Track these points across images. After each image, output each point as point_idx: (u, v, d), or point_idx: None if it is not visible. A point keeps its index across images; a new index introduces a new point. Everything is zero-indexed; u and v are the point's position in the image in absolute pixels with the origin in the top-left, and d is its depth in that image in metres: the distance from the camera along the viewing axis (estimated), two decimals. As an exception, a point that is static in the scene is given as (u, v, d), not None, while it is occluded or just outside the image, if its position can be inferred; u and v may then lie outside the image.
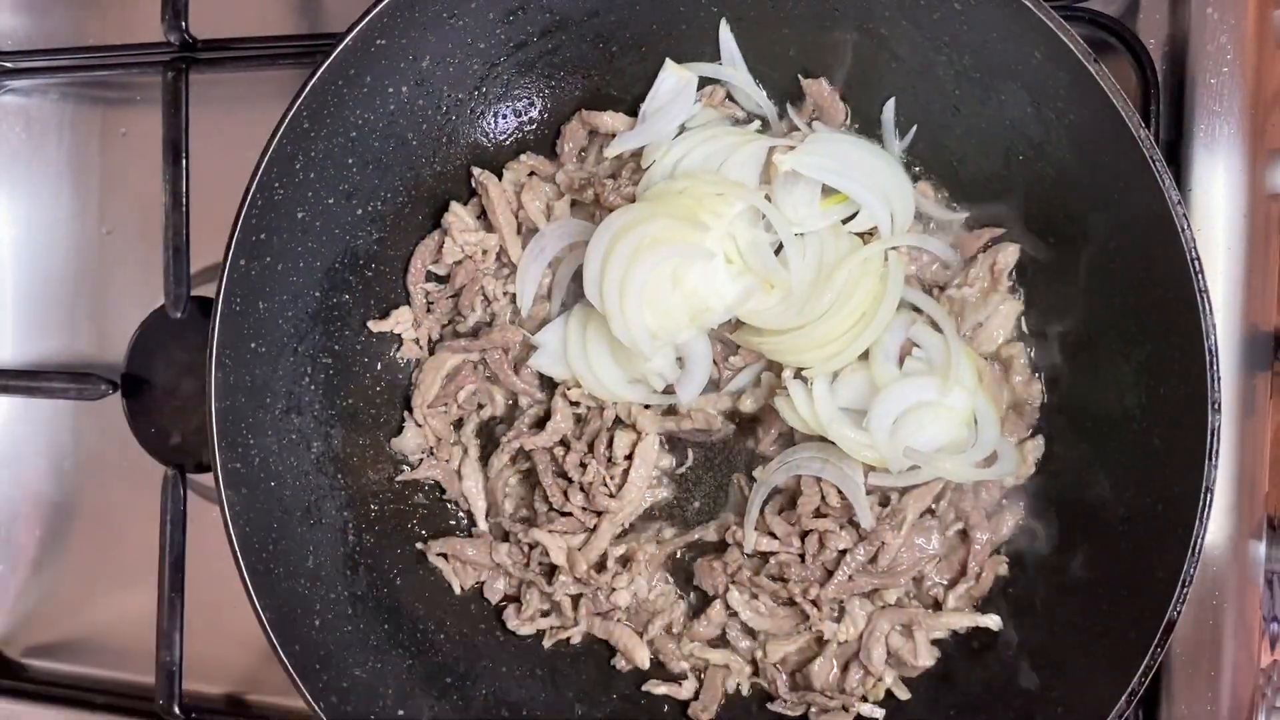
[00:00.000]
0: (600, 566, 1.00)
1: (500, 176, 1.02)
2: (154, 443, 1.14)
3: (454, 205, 1.01)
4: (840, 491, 0.93)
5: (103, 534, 1.22)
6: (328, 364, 0.99)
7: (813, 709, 0.95)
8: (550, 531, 0.99)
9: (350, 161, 0.95)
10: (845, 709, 0.94)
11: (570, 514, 0.99)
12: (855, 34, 0.92)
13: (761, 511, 0.96)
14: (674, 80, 0.98)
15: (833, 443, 0.92)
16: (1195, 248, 0.76)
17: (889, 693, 0.94)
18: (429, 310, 1.03)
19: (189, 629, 1.08)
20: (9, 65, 1.22)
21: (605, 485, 0.98)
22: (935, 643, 0.93)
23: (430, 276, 1.03)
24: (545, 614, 1.01)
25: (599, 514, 0.99)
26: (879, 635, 0.92)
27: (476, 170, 1.01)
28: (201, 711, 1.11)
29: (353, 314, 1.01)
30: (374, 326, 1.01)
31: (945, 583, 0.94)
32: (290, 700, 1.10)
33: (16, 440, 1.25)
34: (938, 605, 0.94)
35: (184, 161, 1.08)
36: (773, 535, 0.96)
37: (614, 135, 1.00)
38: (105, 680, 1.20)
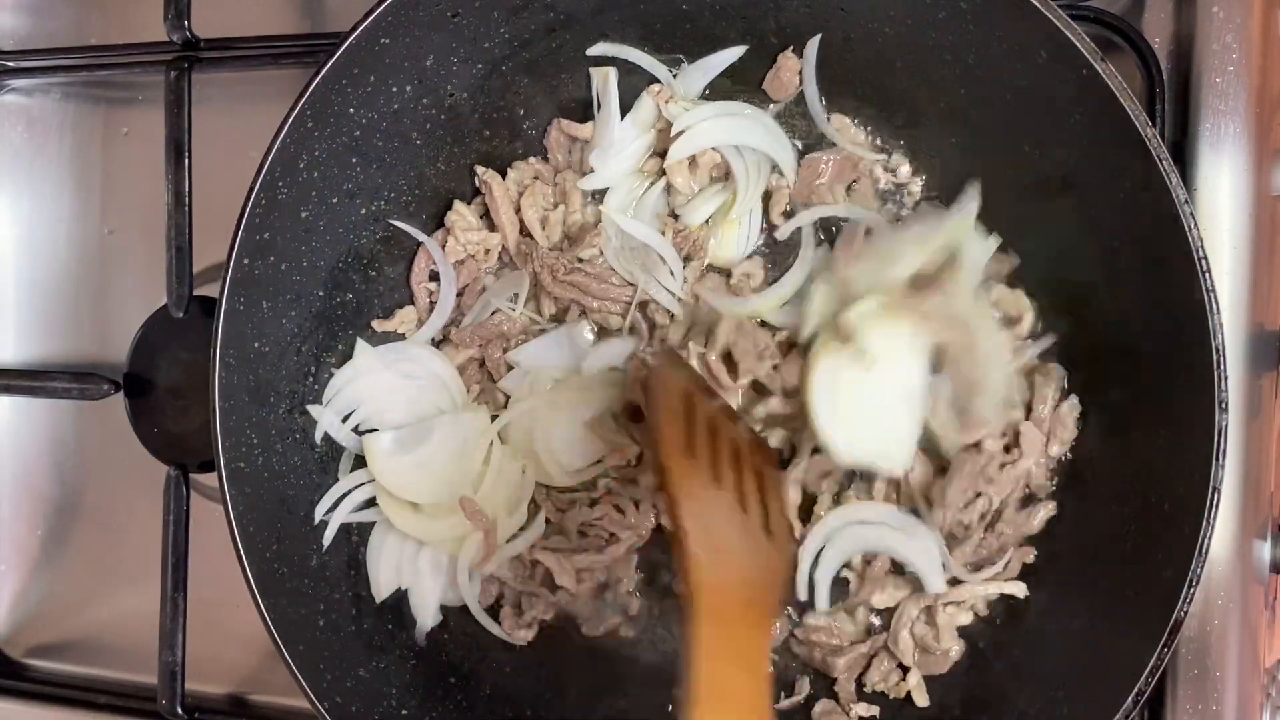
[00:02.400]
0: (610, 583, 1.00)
1: (504, 175, 1.01)
2: (156, 442, 1.14)
3: (457, 204, 1.01)
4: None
5: (105, 534, 1.22)
6: (331, 364, 0.99)
7: (816, 708, 0.95)
8: (553, 550, 0.98)
9: (354, 161, 0.95)
10: (846, 713, 0.94)
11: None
12: (860, 33, 0.92)
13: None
14: (600, 82, 0.99)
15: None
16: (1202, 247, 0.76)
17: (890, 693, 0.94)
18: (432, 309, 1.03)
19: (191, 629, 1.07)
20: (11, 65, 1.21)
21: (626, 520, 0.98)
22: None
23: (434, 276, 1.03)
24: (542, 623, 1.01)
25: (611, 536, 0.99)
26: (906, 620, 0.92)
27: (480, 169, 1.01)
28: (204, 711, 1.10)
29: (356, 314, 1.01)
30: (378, 326, 1.01)
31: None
32: (293, 700, 1.09)
33: (18, 440, 1.25)
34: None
35: (187, 161, 1.07)
36: None
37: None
38: (107, 680, 1.20)
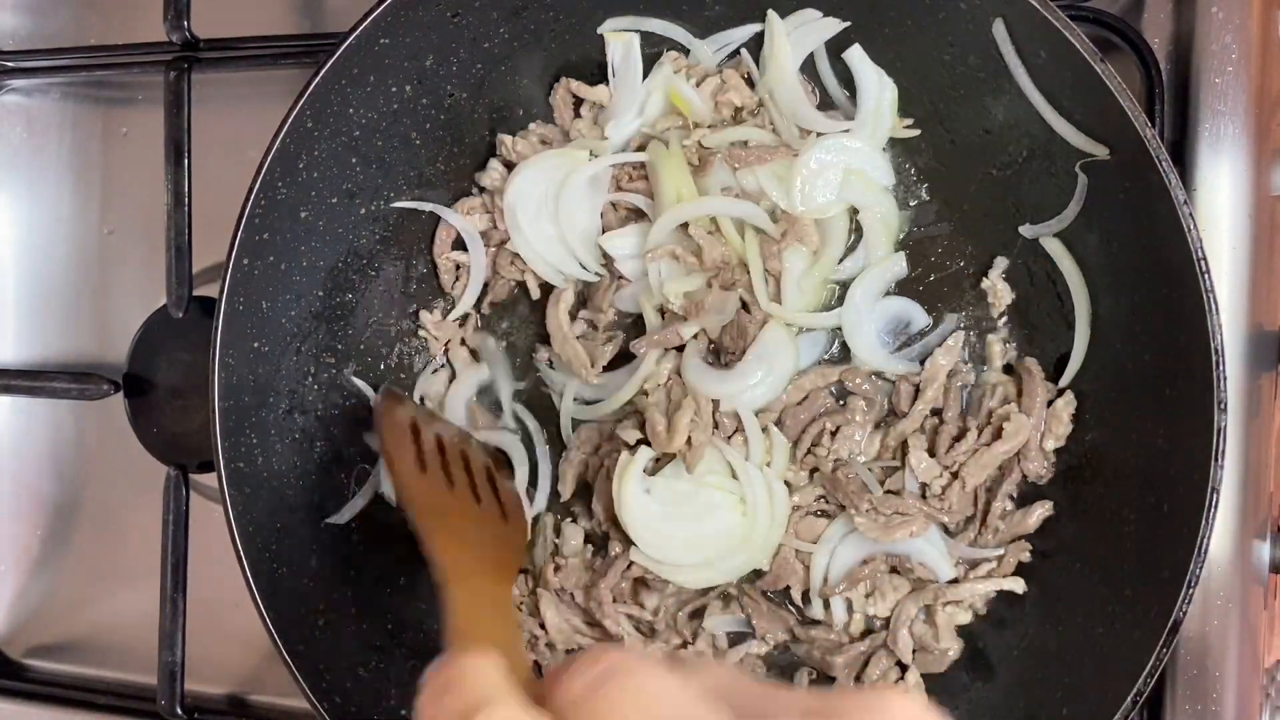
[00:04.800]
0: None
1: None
2: (156, 442, 1.14)
3: (492, 162, 1.01)
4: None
5: (104, 534, 1.22)
6: (331, 364, 0.99)
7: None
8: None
9: (353, 161, 0.95)
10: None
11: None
12: (859, 33, 0.92)
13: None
14: (620, 49, 0.97)
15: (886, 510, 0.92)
16: (1201, 247, 0.75)
17: (893, 694, 0.94)
18: (457, 279, 1.02)
19: (191, 629, 1.07)
20: (10, 65, 1.21)
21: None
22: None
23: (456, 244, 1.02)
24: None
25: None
26: (905, 619, 0.92)
27: (503, 135, 1.00)
28: (204, 712, 1.10)
29: (356, 313, 1.01)
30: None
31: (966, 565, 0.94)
32: (293, 700, 1.09)
33: (18, 440, 1.25)
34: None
35: (186, 161, 1.07)
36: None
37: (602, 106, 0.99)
38: (107, 681, 1.20)
